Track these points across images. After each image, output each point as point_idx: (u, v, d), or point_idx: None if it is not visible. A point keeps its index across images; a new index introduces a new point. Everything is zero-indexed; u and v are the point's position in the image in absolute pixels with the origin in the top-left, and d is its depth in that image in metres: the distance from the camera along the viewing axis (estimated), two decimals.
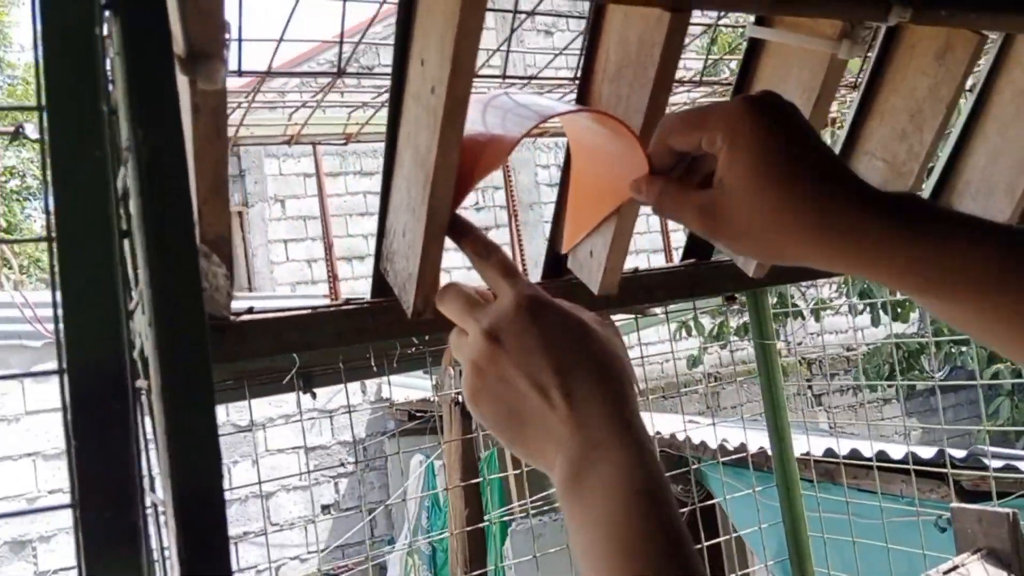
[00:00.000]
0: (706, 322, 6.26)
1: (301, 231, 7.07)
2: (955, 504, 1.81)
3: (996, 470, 2.80)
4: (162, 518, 0.67)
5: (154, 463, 0.74)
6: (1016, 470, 2.82)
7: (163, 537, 0.68)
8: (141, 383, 0.78)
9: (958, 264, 0.48)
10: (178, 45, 0.70)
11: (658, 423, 4.08)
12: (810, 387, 7.62)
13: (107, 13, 0.59)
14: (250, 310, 0.94)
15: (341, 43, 0.90)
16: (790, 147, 0.53)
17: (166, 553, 0.67)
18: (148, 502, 0.68)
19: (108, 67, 0.73)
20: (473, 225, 0.76)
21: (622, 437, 0.48)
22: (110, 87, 0.73)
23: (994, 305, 0.48)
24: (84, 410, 0.53)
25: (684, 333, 6.39)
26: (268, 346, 0.93)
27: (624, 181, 0.71)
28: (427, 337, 1.14)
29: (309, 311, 0.98)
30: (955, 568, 1.70)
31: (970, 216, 0.50)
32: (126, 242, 0.75)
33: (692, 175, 0.64)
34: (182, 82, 0.71)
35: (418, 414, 5.63)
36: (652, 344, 6.56)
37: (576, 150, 0.94)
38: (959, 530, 1.78)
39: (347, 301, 1.01)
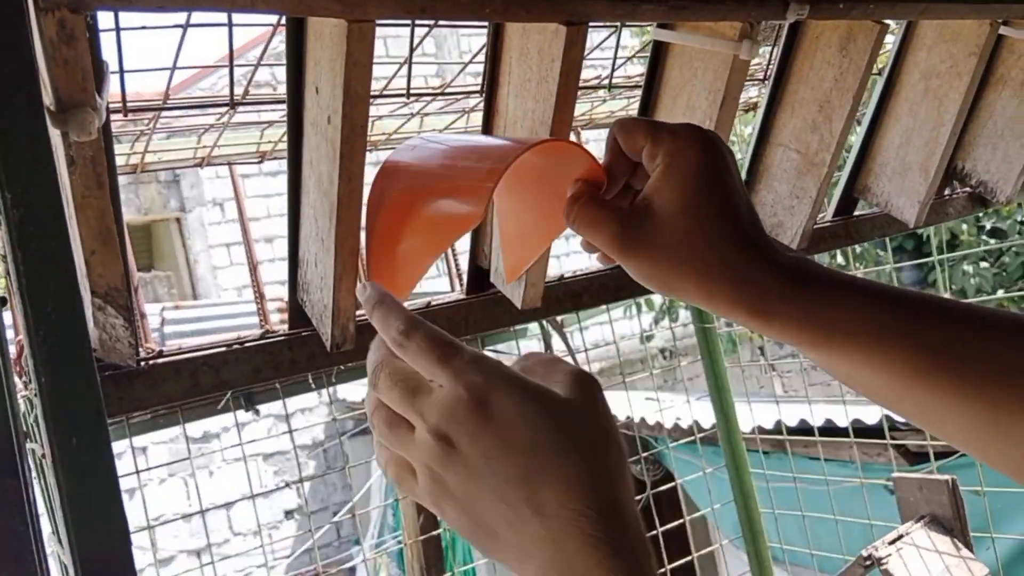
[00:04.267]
0: (657, 299, 6.31)
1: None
2: (896, 474, 1.85)
3: None
4: None
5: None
6: None
7: None
8: (34, 447, 0.75)
9: (845, 321, 0.49)
10: (48, 96, 0.67)
11: (614, 404, 4.10)
12: (763, 354, 7.73)
13: None
14: (160, 353, 0.91)
15: (232, 73, 0.86)
16: (723, 189, 0.53)
17: None
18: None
19: None
20: (388, 296, 0.51)
21: (608, 566, 0.41)
22: None
23: (874, 360, 0.48)
24: None
25: (635, 310, 6.44)
26: (181, 390, 0.90)
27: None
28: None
29: (224, 348, 0.95)
30: (900, 537, 1.74)
31: (860, 279, 0.52)
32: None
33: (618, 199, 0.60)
34: (55, 134, 0.67)
35: None
36: (603, 324, 6.59)
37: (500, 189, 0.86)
38: (901, 498, 1.82)
39: (263, 335, 0.98)
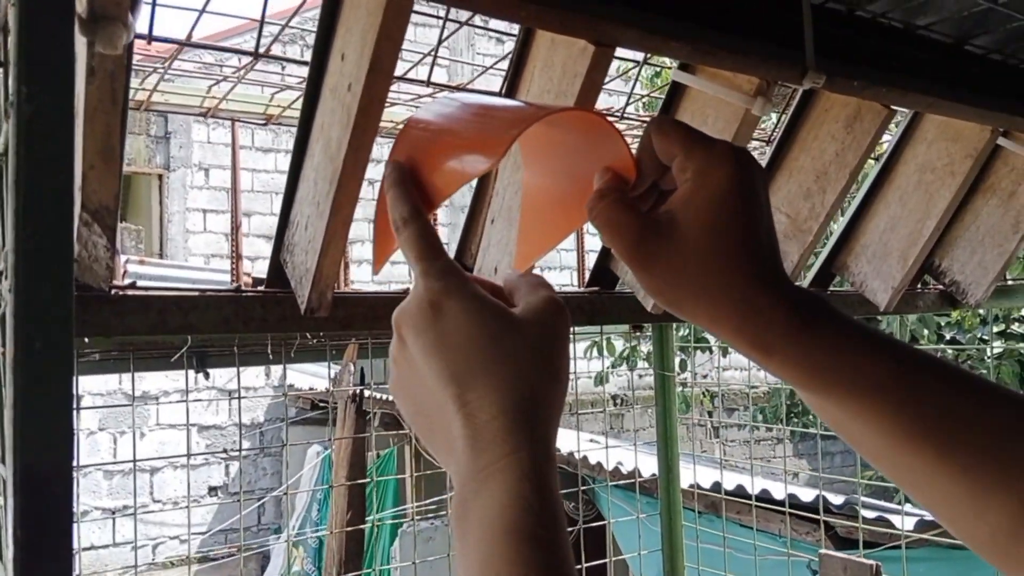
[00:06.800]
0: (619, 345, 6.36)
1: (223, 203, 6.86)
2: (823, 551, 1.87)
3: (869, 521, 2.92)
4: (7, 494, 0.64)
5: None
6: (888, 523, 2.94)
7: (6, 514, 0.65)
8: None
9: (844, 371, 0.48)
10: (81, 4, 0.67)
11: (560, 440, 4.11)
12: (711, 418, 7.80)
13: None
14: (133, 284, 0.91)
15: (261, 25, 0.87)
16: (748, 217, 0.51)
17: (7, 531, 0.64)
18: None
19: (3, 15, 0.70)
20: (406, 181, 0.54)
21: (507, 462, 0.43)
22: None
23: (866, 414, 0.48)
24: None
25: (595, 352, 6.47)
26: (147, 324, 0.90)
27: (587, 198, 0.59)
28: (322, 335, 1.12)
29: (196, 292, 0.95)
30: None
31: (869, 328, 0.51)
32: None
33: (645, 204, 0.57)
34: (81, 42, 0.68)
35: (321, 404, 5.55)
36: None
37: (531, 164, 0.84)
38: None
39: (238, 288, 0.98)
